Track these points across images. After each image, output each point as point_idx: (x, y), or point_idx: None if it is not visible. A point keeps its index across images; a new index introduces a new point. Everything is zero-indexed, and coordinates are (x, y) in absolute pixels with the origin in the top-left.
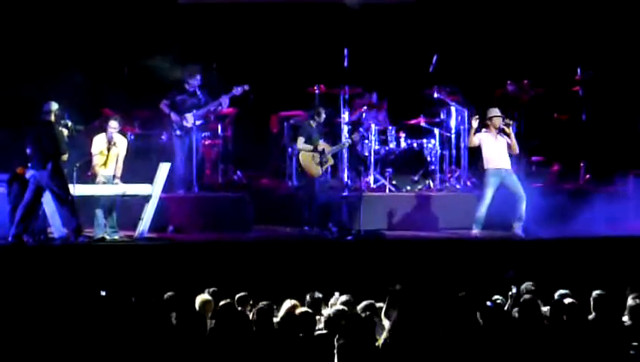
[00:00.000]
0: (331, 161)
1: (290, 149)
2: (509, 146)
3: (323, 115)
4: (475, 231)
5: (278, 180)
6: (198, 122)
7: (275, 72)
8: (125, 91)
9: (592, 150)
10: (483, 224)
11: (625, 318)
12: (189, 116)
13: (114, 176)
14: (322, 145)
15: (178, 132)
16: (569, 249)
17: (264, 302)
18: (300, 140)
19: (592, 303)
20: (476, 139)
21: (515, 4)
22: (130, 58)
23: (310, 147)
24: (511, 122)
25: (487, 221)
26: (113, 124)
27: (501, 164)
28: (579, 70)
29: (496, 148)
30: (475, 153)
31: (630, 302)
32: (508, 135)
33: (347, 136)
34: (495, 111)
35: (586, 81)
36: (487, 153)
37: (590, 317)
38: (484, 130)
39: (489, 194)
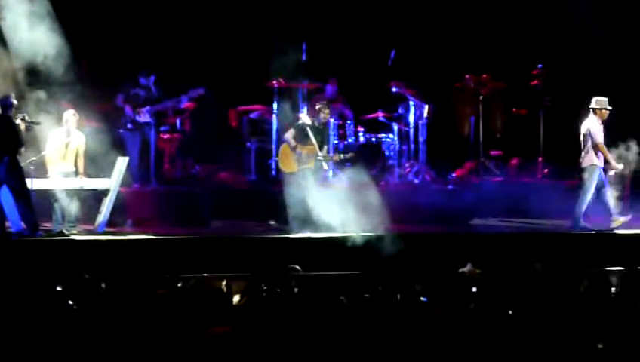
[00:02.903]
0: (312, 164)
1: (248, 144)
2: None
3: (324, 114)
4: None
5: (237, 174)
6: (152, 117)
7: (233, 66)
8: (83, 85)
9: (550, 144)
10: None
11: None
12: (143, 111)
13: (76, 172)
14: (310, 148)
15: (129, 126)
16: (525, 242)
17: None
18: (290, 132)
19: None
20: (601, 135)
21: None
22: (88, 50)
23: (293, 143)
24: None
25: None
26: (71, 118)
27: (602, 160)
28: (537, 64)
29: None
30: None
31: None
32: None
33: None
34: (605, 102)
35: (545, 76)
36: (598, 147)
37: None
38: (591, 120)
39: (592, 188)
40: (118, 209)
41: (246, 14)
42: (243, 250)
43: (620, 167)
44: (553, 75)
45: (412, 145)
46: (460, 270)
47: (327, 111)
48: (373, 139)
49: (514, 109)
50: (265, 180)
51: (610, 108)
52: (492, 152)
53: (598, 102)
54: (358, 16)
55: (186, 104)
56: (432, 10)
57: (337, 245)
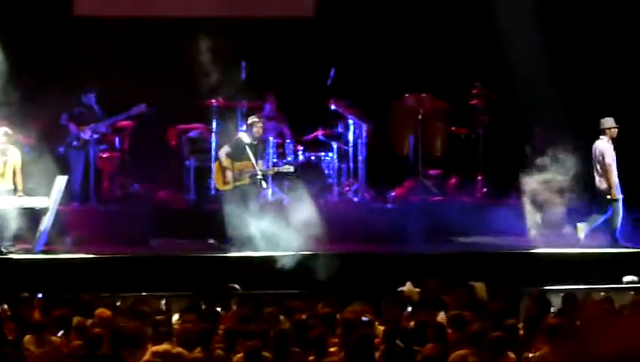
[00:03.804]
0: (246, 181)
1: (187, 162)
2: None
3: (257, 128)
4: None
5: (176, 193)
6: (95, 135)
7: (172, 84)
8: (22, 102)
9: (489, 163)
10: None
11: None
12: (87, 129)
13: (15, 190)
14: (246, 164)
15: (75, 143)
16: (465, 261)
17: None
18: (224, 149)
19: None
20: (610, 156)
21: (412, 18)
22: (27, 68)
23: (228, 160)
24: None
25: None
26: (2, 138)
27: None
28: (476, 84)
29: (614, 161)
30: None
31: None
32: None
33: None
34: (612, 122)
35: (484, 95)
36: (612, 166)
37: None
38: (601, 140)
39: (621, 206)
40: (56, 227)
41: (185, 33)
42: (182, 268)
43: (619, 196)
44: (492, 95)
45: (351, 164)
46: (399, 289)
47: (259, 125)
48: (313, 158)
49: (453, 128)
50: (204, 199)
51: (617, 125)
52: (431, 171)
53: (605, 122)
54: (297, 35)
55: (125, 123)
56: (370, 29)
57: (276, 264)
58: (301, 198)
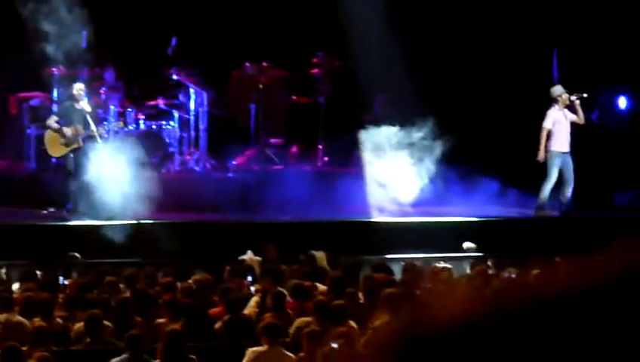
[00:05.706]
0: (80, 144)
1: (28, 131)
2: (572, 123)
3: (78, 93)
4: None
5: (17, 162)
6: None
7: (13, 52)
8: None
9: (330, 132)
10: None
11: None
12: None
13: None
14: (78, 128)
15: None
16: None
17: None
18: (52, 118)
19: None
20: (550, 121)
21: None
22: None
23: (57, 126)
24: (585, 95)
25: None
26: None
27: (565, 146)
28: (317, 53)
29: (565, 129)
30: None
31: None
32: (576, 110)
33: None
34: (561, 89)
35: (325, 64)
36: (557, 133)
37: None
38: (553, 108)
39: (555, 174)
40: None
41: None
42: (22, 237)
43: (540, 159)
44: (334, 63)
45: (193, 133)
46: (240, 258)
47: (78, 87)
48: (154, 127)
49: (294, 97)
50: (45, 167)
51: (566, 91)
52: (272, 140)
53: (554, 90)
54: (139, 2)
55: None
56: None
57: (116, 233)
58: (140, 166)
